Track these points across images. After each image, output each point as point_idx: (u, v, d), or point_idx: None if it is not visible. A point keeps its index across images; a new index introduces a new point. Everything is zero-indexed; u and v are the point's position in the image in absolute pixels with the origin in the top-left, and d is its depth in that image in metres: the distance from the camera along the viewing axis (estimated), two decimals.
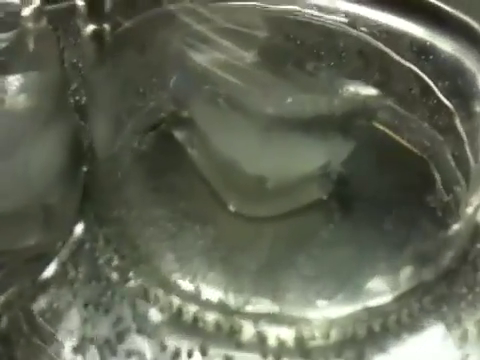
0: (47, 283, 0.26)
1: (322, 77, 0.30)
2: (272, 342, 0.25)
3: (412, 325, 0.26)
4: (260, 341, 0.25)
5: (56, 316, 0.25)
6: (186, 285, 0.26)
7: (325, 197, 0.30)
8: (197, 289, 0.26)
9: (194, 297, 0.26)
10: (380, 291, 0.26)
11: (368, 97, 0.28)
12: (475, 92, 0.31)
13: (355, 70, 0.34)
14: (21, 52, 0.25)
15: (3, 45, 0.25)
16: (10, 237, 0.26)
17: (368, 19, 0.35)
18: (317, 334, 0.25)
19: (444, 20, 0.32)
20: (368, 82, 0.32)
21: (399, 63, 0.33)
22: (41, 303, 0.26)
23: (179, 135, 0.31)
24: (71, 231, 0.27)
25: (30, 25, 0.25)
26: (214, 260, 0.27)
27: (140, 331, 0.25)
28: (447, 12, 0.32)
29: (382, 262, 0.27)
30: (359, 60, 0.34)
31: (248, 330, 0.25)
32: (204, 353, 0.25)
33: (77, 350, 0.25)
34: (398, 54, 0.34)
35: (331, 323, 0.25)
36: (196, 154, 0.31)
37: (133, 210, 0.29)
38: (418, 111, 0.33)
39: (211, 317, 0.25)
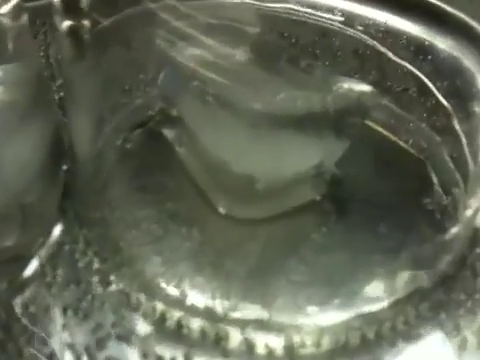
0: (24, 286, 0.25)
1: (316, 74, 0.29)
2: (260, 350, 0.24)
3: (408, 333, 0.25)
4: (248, 349, 0.24)
5: (33, 320, 0.24)
6: (171, 290, 0.26)
7: (318, 199, 0.29)
8: (182, 294, 0.26)
9: (179, 302, 0.25)
10: (375, 297, 0.26)
11: (362, 94, 0.28)
12: (474, 92, 0.31)
13: (351, 69, 0.34)
14: None
15: None
16: None
17: (365, 18, 0.34)
18: (308, 342, 0.24)
19: (443, 19, 0.32)
20: (364, 81, 0.31)
21: (396, 62, 0.33)
22: (17, 306, 0.25)
23: (168, 133, 0.31)
24: (50, 232, 0.27)
25: (8, 22, 0.25)
26: (201, 264, 0.27)
27: (121, 338, 0.24)
28: (446, 11, 0.32)
29: (377, 267, 0.27)
30: (355, 59, 0.34)
31: (235, 337, 0.24)
32: None
33: (55, 357, 0.24)
34: (395, 53, 0.33)
35: (322, 330, 0.25)
36: (184, 153, 0.30)
37: (116, 211, 0.28)
38: (415, 111, 0.33)
39: (196, 323, 0.25)
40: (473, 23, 0.31)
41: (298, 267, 0.27)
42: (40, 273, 0.26)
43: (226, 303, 0.25)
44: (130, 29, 0.31)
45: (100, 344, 0.24)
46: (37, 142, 0.26)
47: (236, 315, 0.25)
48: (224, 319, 0.25)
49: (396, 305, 0.26)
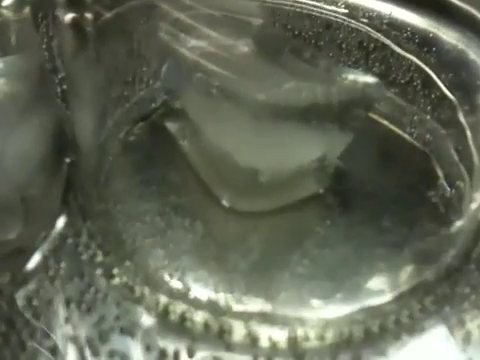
0: (27, 279, 0.25)
1: (320, 65, 0.29)
2: (264, 343, 0.24)
3: (412, 327, 0.25)
4: (251, 342, 0.24)
5: (36, 314, 0.24)
6: (174, 283, 0.26)
7: (321, 192, 0.29)
8: (186, 287, 0.26)
9: (182, 296, 0.25)
10: (379, 291, 0.26)
11: (367, 85, 0.28)
12: (479, 84, 0.30)
13: (355, 62, 0.34)
14: (1, 41, 0.25)
15: None
16: None
17: (369, 10, 0.34)
18: (311, 335, 0.24)
19: (448, 11, 0.32)
20: (368, 73, 0.31)
21: (400, 55, 0.33)
22: (20, 299, 0.25)
23: (171, 126, 0.31)
24: (53, 225, 0.27)
25: (11, 14, 0.25)
26: (204, 257, 0.27)
27: (124, 331, 0.24)
28: (450, 2, 0.32)
29: (381, 260, 0.27)
30: (359, 52, 0.34)
31: (239, 330, 0.24)
32: (191, 354, 0.24)
33: (57, 350, 0.24)
34: (399, 46, 0.33)
35: (326, 324, 0.24)
36: (188, 146, 0.30)
37: (119, 204, 0.28)
38: (420, 104, 0.33)
39: (200, 317, 0.24)
40: (478, 15, 0.31)
41: (301, 260, 0.27)
42: (43, 266, 0.25)
43: (229, 296, 0.25)
44: (133, 21, 0.31)
45: (103, 337, 0.24)
46: (39, 135, 0.26)
47: (240, 308, 0.25)
48: (227, 312, 0.25)
49: (400, 299, 0.25)
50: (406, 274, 0.26)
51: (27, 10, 0.26)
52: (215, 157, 0.28)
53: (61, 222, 0.27)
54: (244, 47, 0.29)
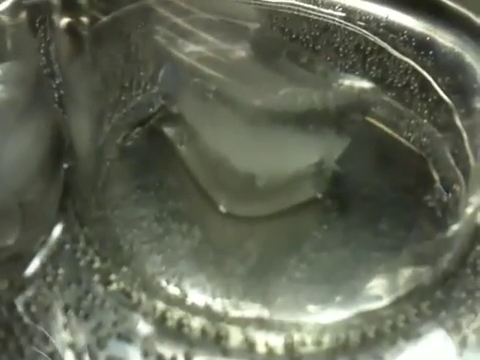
0: (25, 285, 0.25)
1: (316, 70, 0.29)
2: (261, 348, 0.24)
3: (408, 331, 0.25)
4: (248, 348, 0.24)
5: (34, 319, 0.24)
6: (171, 289, 0.26)
7: (319, 196, 0.29)
8: (183, 293, 0.26)
9: (179, 301, 0.25)
10: (375, 295, 0.26)
11: (363, 90, 0.28)
12: (476, 88, 0.31)
13: (352, 65, 0.34)
14: None
15: None
16: None
17: (366, 13, 0.34)
18: (308, 340, 0.24)
19: (444, 14, 0.32)
20: (365, 77, 0.31)
21: (397, 58, 0.33)
22: (19, 305, 0.25)
23: (168, 131, 0.31)
24: (51, 231, 0.27)
25: (7, 19, 0.25)
26: (202, 262, 0.27)
27: (122, 337, 0.24)
28: (447, 6, 0.32)
29: (378, 264, 0.27)
30: (356, 55, 0.34)
31: (236, 336, 0.24)
32: None
33: (55, 356, 0.24)
34: (396, 49, 0.33)
35: (323, 329, 0.24)
36: (185, 151, 0.30)
37: (116, 209, 0.28)
38: (417, 107, 0.33)
39: (197, 322, 0.24)
40: (475, 18, 0.31)
41: (299, 265, 0.27)
42: (41, 272, 0.25)
43: (227, 302, 0.25)
44: (129, 26, 0.31)
45: (101, 343, 0.24)
46: (36, 140, 0.26)
47: (237, 314, 0.25)
48: (225, 318, 0.25)
49: (397, 303, 0.25)
50: (403, 278, 0.26)
51: (23, 15, 0.26)
52: (212, 162, 0.28)
53: (59, 228, 0.27)
54: (241, 52, 0.29)
